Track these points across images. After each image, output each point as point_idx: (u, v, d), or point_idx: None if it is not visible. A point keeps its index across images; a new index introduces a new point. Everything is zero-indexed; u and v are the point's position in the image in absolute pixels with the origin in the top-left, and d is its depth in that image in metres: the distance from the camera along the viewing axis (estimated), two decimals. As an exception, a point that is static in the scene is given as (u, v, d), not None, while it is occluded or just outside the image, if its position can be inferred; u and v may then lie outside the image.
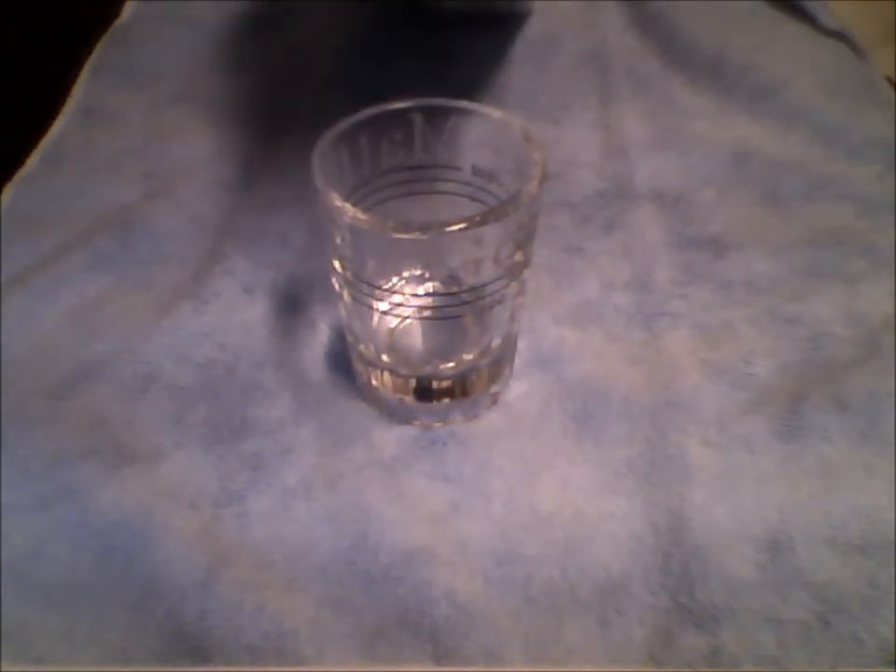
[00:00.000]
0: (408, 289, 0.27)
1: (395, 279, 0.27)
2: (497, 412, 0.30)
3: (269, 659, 0.23)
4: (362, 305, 0.25)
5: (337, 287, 0.26)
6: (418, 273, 0.27)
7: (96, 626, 0.24)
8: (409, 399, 0.28)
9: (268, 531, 0.26)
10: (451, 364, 0.27)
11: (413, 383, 0.28)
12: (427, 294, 0.24)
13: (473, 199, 0.27)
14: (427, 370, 0.27)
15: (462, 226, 0.22)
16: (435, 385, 0.28)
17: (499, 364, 0.28)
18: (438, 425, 0.29)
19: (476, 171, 0.27)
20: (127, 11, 0.53)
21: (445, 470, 0.28)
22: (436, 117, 0.25)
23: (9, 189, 0.39)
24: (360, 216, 0.22)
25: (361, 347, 0.28)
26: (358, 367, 0.29)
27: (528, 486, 0.27)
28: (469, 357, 0.27)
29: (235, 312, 0.33)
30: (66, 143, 0.42)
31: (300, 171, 0.25)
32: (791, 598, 0.24)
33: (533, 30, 0.51)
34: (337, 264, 0.25)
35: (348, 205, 0.23)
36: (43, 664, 0.23)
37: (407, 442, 0.28)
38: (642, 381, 0.30)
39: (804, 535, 0.25)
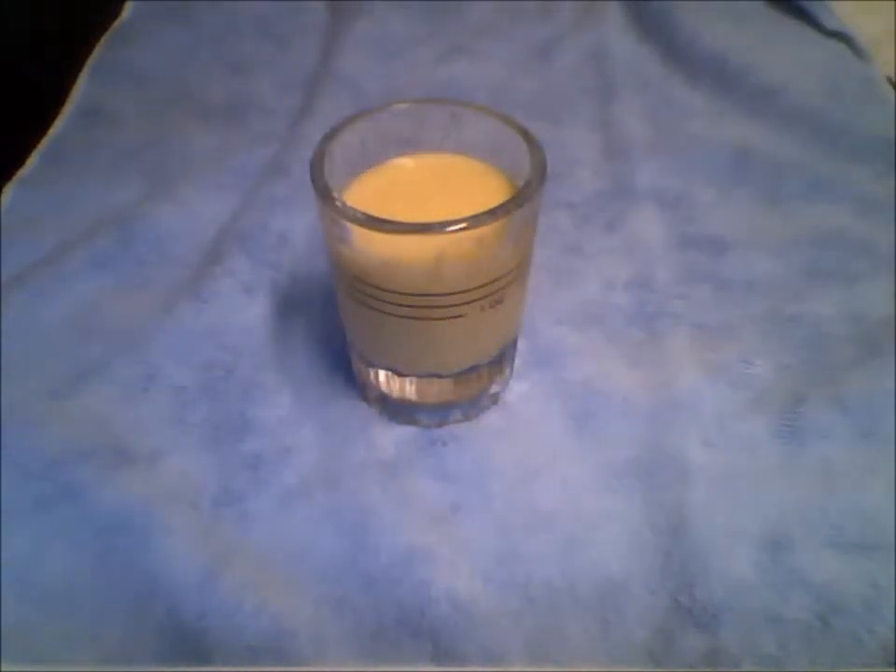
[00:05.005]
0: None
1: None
2: (497, 412, 0.29)
3: (269, 659, 0.23)
4: (362, 305, 0.25)
5: (337, 286, 0.26)
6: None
7: (96, 626, 0.24)
8: (409, 399, 0.28)
9: (268, 531, 0.26)
10: (451, 364, 0.27)
11: (412, 382, 0.28)
12: (428, 294, 0.24)
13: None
14: (427, 370, 0.27)
15: (462, 226, 0.22)
16: (435, 384, 0.28)
17: (499, 364, 0.28)
18: (438, 425, 0.29)
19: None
20: (127, 11, 0.53)
21: (445, 470, 0.28)
22: (436, 117, 0.25)
23: (9, 188, 0.39)
24: (360, 216, 0.22)
25: (361, 347, 0.28)
26: (358, 367, 0.29)
27: (528, 486, 0.27)
28: (469, 356, 0.27)
29: (235, 312, 0.33)
30: (66, 143, 0.42)
31: (299, 171, 0.25)
32: (791, 598, 0.24)
33: (534, 30, 0.52)
34: (337, 264, 0.25)
35: (348, 205, 0.23)
36: (43, 664, 0.23)
37: (407, 442, 0.28)
38: (642, 381, 0.30)
39: (804, 535, 0.25)
